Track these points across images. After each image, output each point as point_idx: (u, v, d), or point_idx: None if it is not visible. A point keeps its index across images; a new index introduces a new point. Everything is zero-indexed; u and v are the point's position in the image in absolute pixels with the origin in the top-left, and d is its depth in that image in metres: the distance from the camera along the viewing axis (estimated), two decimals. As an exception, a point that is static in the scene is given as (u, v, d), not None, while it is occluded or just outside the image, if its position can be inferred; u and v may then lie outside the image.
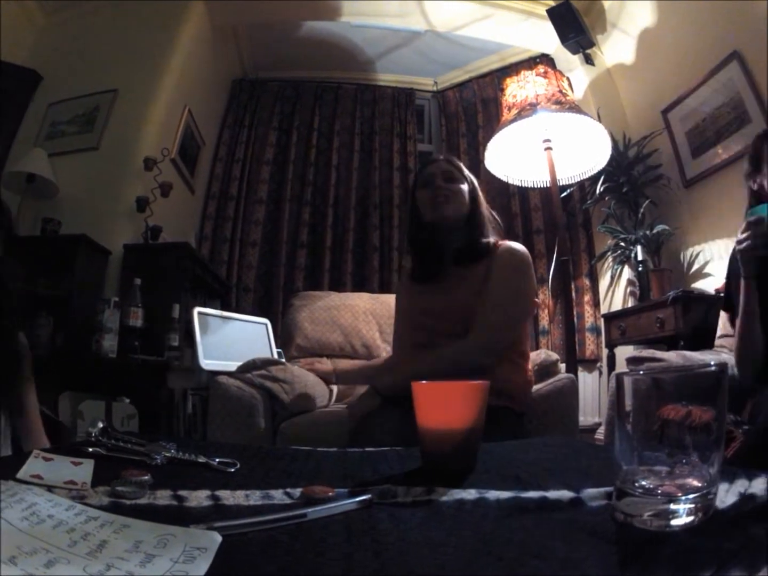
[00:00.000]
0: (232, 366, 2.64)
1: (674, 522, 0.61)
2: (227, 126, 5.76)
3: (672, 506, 0.62)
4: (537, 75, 3.72)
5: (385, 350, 3.34)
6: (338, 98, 5.82)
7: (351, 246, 5.30)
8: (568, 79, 4.05)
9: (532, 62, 5.05)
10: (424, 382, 1.01)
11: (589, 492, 0.75)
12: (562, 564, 0.52)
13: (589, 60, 4.63)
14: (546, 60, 5.04)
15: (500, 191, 5.08)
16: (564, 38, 4.48)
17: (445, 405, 0.98)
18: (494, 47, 5.38)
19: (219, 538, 0.59)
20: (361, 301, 3.48)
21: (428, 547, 0.58)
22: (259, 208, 5.46)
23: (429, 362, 1.97)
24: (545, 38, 4.85)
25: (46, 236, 3.84)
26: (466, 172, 2.27)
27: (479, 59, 5.61)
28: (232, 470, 0.98)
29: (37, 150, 4.11)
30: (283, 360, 2.97)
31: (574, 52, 4.62)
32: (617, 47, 4.54)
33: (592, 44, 4.56)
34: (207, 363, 2.87)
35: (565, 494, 0.75)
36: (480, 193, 2.27)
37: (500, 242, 2.20)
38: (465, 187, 2.20)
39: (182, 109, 4.71)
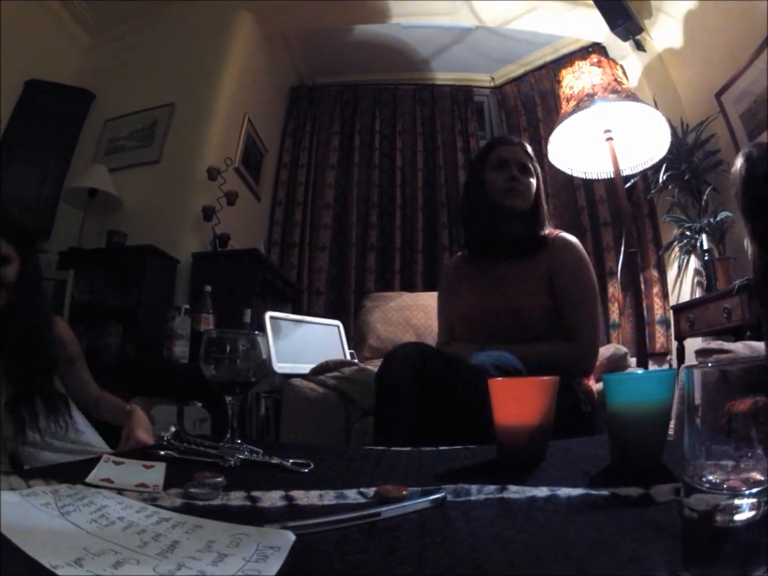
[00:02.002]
0: (305, 368, 2.65)
1: (737, 517, 0.59)
2: (289, 133, 5.79)
3: (736, 501, 0.60)
4: (591, 65, 3.64)
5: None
6: (397, 99, 5.79)
7: (420, 246, 5.24)
8: (621, 66, 3.94)
9: (585, 52, 4.93)
10: (499, 378, 1.02)
11: (658, 488, 0.74)
12: (628, 561, 0.51)
13: (639, 46, 4.52)
14: (598, 49, 4.92)
15: (565, 184, 5.00)
16: (612, 25, 4.38)
17: (519, 400, 0.99)
18: (546, 39, 5.27)
19: (292, 537, 0.58)
20: (433, 301, 3.39)
21: (499, 545, 0.57)
22: (326, 212, 5.45)
23: (534, 352, 1.93)
24: (595, 27, 4.73)
25: (112, 248, 3.92)
26: (536, 162, 2.24)
27: (532, 52, 5.49)
28: (306, 471, 0.97)
29: (97, 166, 4.19)
30: (356, 361, 2.97)
31: (624, 38, 4.52)
32: (665, 31, 4.40)
33: (640, 30, 4.44)
34: (280, 366, 2.89)
35: (635, 490, 0.74)
36: (542, 184, 2.24)
37: (553, 233, 2.18)
38: (534, 180, 2.18)
39: (242, 118, 4.74)
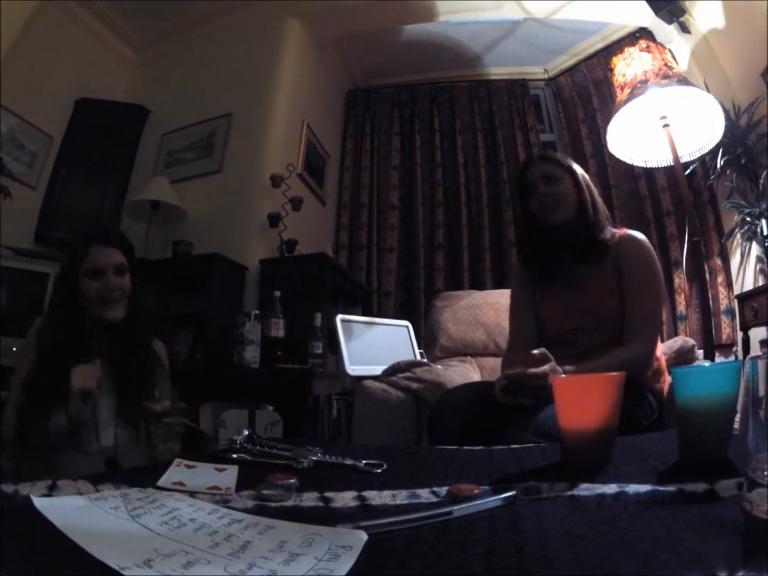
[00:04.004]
0: (377, 370, 2.65)
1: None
2: (349, 136, 5.80)
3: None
4: (641, 50, 3.55)
5: (528, 347, 3.26)
6: (453, 97, 5.73)
7: (488, 243, 5.18)
8: (670, 50, 3.84)
9: (633, 38, 4.81)
10: (563, 376, 1.00)
11: (723, 483, 0.74)
12: (690, 557, 0.51)
13: (684, 28, 4.41)
14: (645, 34, 4.81)
15: (626, 174, 4.88)
16: (656, 9, 4.29)
17: (584, 398, 0.97)
18: (593, 27, 5.16)
19: (364, 537, 0.58)
20: (503, 299, 3.39)
21: (567, 542, 0.58)
22: (392, 213, 5.44)
23: (604, 363, 1.89)
24: (639, 11, 4.62)
25: (178, 258, 3.98)
26: (569, 163, 2.16)
27: (582, 41, 5.38)
28: (379, 471, 0.97)
29: (158, 178, 4.27)
30: (426, 361, 2.96)
31: (669, 21, 4.41)
32: (707, 11, 4.26)
33: (683, 11, 4.32)
34: (353, 369, 2.89)
35: (700, 486, 0.73)
36: (588, 182, 2.15)
37: (619, 232, 2.12)
38: (569, 183, 2.09)
39: (301, 124, 4.77)
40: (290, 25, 4.76)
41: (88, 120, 4.60)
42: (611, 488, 0.76)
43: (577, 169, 2.15)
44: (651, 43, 3.66)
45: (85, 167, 4.53)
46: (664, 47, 3.73)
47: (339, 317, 3.05)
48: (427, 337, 3.51)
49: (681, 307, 4.54)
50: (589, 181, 2.16)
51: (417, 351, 3.39)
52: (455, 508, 0.68)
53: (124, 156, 4.77)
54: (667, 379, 2.03)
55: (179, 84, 4.91)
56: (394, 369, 2.58)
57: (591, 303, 1.99)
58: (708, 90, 3.61)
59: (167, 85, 4.96)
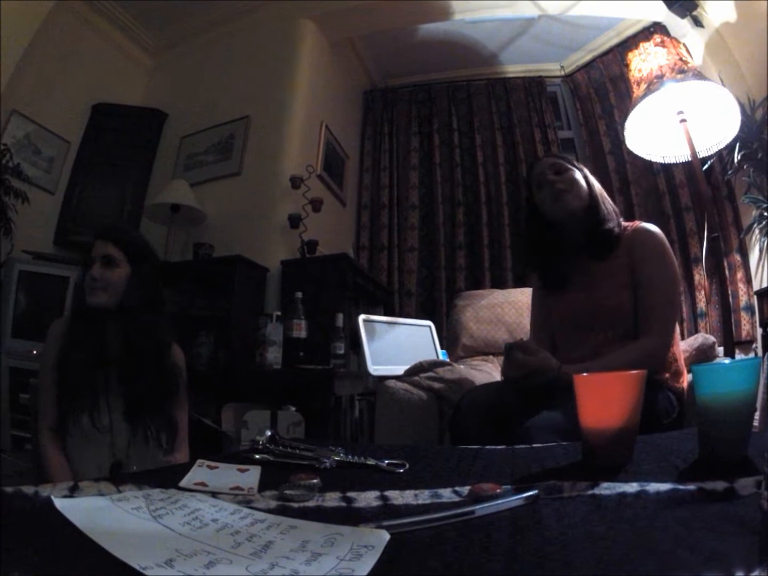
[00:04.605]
0: (399, 370, 2.65)
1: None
2: (367, 137, 5.82)
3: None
4: (655, 45, 3.53)
5: (549, 345, 3.26)
6: (471, 96, 5.71)
7: (509, 242, 5.16)
8: (684, 45, 3.81)
9: (647, 33, 4.79)
10: (585, 374, 0.99)
11: (742, 481, 0.73)
12: (708, 556, 0.50)
13: (697, 22, 4.37)
14: (659, 28, 4.78)
15: (644, 170, 4.84)
16: (669, 3, 4.26)
17: (605, 396, 0.97)
18: (607, 23, 5.14)
19: (387, 537, 0.58)
20: (524, 297, 3.38)
21: (588, 542, 0.58)
22: (412, 213, 5.44)
23: (615, 361, 1.88)
24: (652, 6, 4.58)
25: (200, 260, 4.00)
26: (572, 160, 2.17)
27: (597, 37, 5.36)
28: (401, 471, 0.97)
29: (178, 181, 4.31)
30: (449, 360, 2.95)
31: (682, 15, 4.37)
32: (720, 6, 4.21)
33: (695, 5, 4.29)
34: (375, 369, 2.90)
35: (720, 484, 0.73)
36: (595, 180, 2.15)
37: (630, 224, 2.10)
38: (578, 173, 2.10)
39: (319, 126, 4.78)
40: (305, 27, 4.77)
41: (105, 124, 4.68)
42: (632, 487, 0.76)
43: (583, 167, 2.16)
44: (665, 38, 3.64)
45: (103, 171, 4.61)
46: (678, 42, 3.70)
47: (361, 317, 3.06)
48: (449, 337, 3.50)
49: (701, 304, 4.50)
50: (594, 179, 2.15)
51: (440, 351, 3.38)
52: (477, 507, 0.69)
53: (142, 160, 4.82)
54: (688, 377, 2.02)
55: (195, 88, 4.97)
56: (417, 369, 2.57)
57: (603, 299, 1.98)
58: (723, 84, 3.58)
59: (183, 88, 5.02)
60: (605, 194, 2.14)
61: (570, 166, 2.10)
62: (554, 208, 2.06)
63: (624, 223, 2.10)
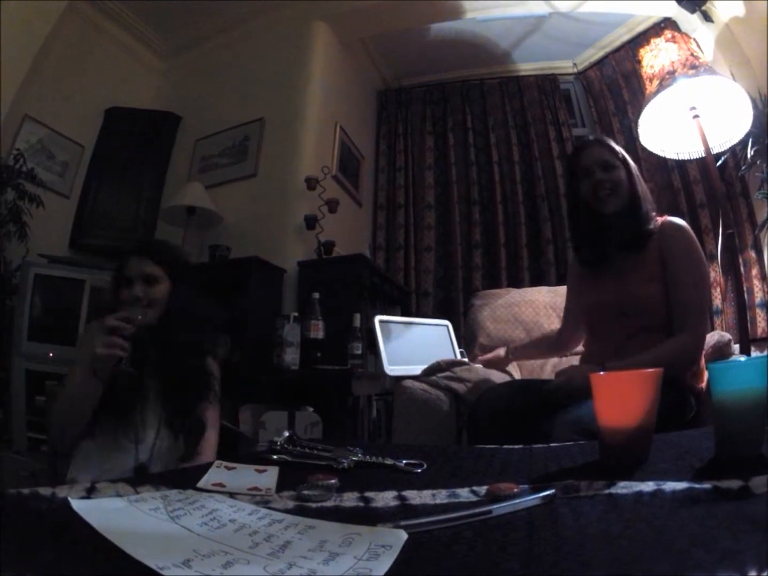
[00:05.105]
0: (416, 370, 2.64)
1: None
2: (382, 137, 5.83)
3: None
4: (666, 41, 3.53)
5: (567, 344, 3.26)
6: (485, 94, 5.70)
7: (525, 241, 5.15)
8: (695, 40, 3.80)
9: (658, 28, 4.77)
10: (602, 373, 1.00)
11: (757, 480, 0.73)
12: (722, 555, 0.51)
13: (707, 17, 4.35)
14: (670, 24, 4.76)
15: (659, 167, 4.79)
16: None
17: (622, 395, 0.97)
18: (618, 19, 5.12)
19: (404, 536, 0.59)
20: (541, 296, 3.39)
21: (605, 541, 0.58)
22: (428, 213, 5.44)
23: (648, 359, 1.88)
24: (662, 1, 4.57)
25: (216, 262, 4.00)
26: (620, 151, 2.16)
27: (608, 34, 5.33)
28: (419, 471, 0.98)
29: (193, 184, 4.31)
30: (467, 360, 2.95)
31: (691, 10, 4.35)
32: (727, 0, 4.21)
33: (704, 1, 4.27)
34: (392, 369, 2.89)
35: (735, 483, 0.73)
36: (636, 171, 2.15)
37: (660, 219, 2.11)
38: (623, 172, 2.10)
39: (334, 126, 4.79)
40: (317, 28, 4.77)
41: (119, 128, 4.73)
42: (649, 486, 0.76)
43: (626, 156, 2.15)
44: (676, 34, 3.64)
45: (118, 175, 4.65)
46: (689, 37, 3.71)
47: (377, 318, 3.05)
48: (466, 336, 3.49)
49: (717, 301, 4.47)
50: (635, 169, 2.15)
51: (457, 350, 3.38)
52: (494, 507, 0.69)
53: (157, 163, 4.86)
54: (705, 374, 2.01)
55: (208, 91, 5.00)
56: (434, 368, 2.57)
57: (634, 291, 1.99)
58: (734, 79, 3.56)
59: (196, 91, 5.05)
60: (647, 191, 2.15)
61: (618, 162, 2.10)
62: (595, 205, 2.08)
63: (656, 217, 2.12)
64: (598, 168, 2.07)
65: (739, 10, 4.06)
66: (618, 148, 2.15)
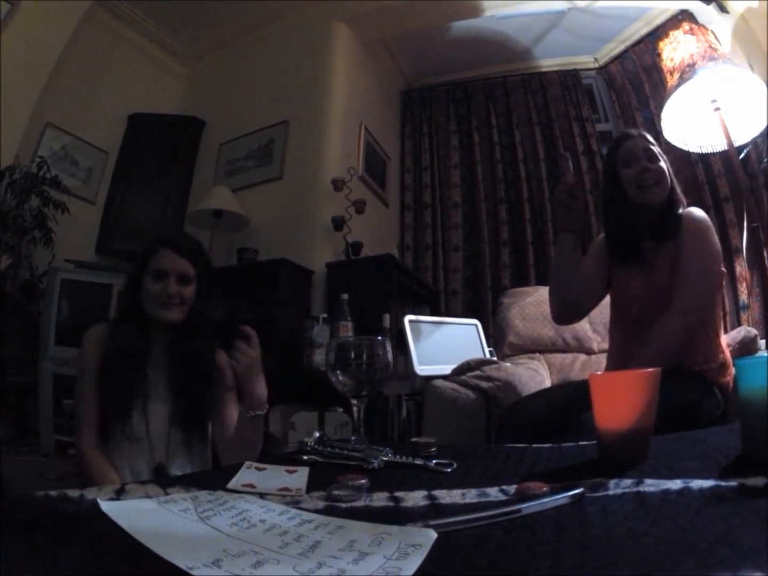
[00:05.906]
0: (446, 369, 2.64)
1: None
2: (407, 137, 5.85)
3: None
4: (684, 33, 3.52)
5: (595, 341, 3.25)
6: (508, 92, 5.69)
7: (552, 238, 5.11)
8: (712, 32, 3.76)
9: (676, 21, 4.72)
10: (599, 373, 1.01)
11: None
12: (746, 553, 0.50)
13: (722, 8, 4.29)
14: (687, 16, 4.71)
15: (682, 161, 4.71)
16: None
17: (618, 394, 0.96)
18: (636, 12, 5.09)
19: (434, 535, 0.58)
20: (568, 292, 3.37)
21: (632, 539, 0.58)
22: (455, 212, 5.44)
23: (652, 355, 1.86)
24: None
25: (244, 264, 4.04)
26: (659, 147, 2.16)
27: (627, 27, 5.30)
28: (449, 470, 0.97)
29: (219, 187, 4.37)
30: (496, 359, 2.94)
31: (707, 1, 4.31)
32: None
33: None
34: (422, 369, 2.89)
35: (761, 480, 0.73)
36: (670, 167, 2.15)
37: (682, 211, 2.10)
38: (665, 165, 2.10)
39: (358, 128, 4.81)
40: (338, 29, 4.80)
41: (143, 134, 4.79)
42: (676, 484, 0.75)
43: (664, 155, 2.15)
44: (693, 26, 3.64)
45: (143, 180, 4.72)
46: (706, 29, 3.69)
47: (407, 318, 3.06)
48: (495, 335, 3.49)
49: (743, 296, 4.41)
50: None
51: (486, 349, 3.37)
52: (523, 506, 0.68)
53: (182, 167, 4.92)
54: (733, 371, 1.98)
55: (231, 94, 5.05)
56: (464, 368, 2.57)
57: (664, 282, 1.99)
58: (752, 70, 3.51)
59: (220, 96, 5.11)
60: (677, 184, 2.15)
61: (659, 155, 2.11)
62: (638, 195, 2.08)
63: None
64: (643, 157, 2.08)
65: (753, 1, 4.01)
66: (659, 147, 2.15)
